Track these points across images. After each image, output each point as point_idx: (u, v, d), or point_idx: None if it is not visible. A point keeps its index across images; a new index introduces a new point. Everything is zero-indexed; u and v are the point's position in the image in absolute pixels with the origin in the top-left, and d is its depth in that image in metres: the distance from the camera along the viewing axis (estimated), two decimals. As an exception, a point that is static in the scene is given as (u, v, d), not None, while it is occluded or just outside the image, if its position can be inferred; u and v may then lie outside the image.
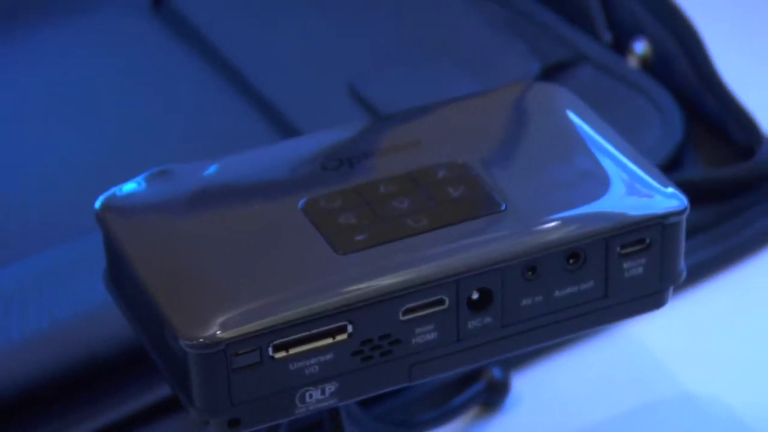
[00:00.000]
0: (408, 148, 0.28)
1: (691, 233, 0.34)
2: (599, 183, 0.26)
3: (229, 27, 0.48)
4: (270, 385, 0.23)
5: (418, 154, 0.28)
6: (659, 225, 0.25)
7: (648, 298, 0.26)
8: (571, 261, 0.25)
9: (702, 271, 0.38)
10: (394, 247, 0.24)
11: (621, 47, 0.44)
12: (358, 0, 0.49)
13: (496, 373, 0.35)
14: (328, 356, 0.23)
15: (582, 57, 0.43)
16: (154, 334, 0.24)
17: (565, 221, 0.25)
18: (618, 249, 0.25)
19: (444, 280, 0.23)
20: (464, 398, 0.35)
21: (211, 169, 0.28)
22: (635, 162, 0.27)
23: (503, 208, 0.25)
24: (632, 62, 0.43)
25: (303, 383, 0.23)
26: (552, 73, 0.42)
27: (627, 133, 0.30)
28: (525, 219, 0.25)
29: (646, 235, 0.25)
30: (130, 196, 0.27)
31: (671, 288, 0.27)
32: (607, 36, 0.44)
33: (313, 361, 0.23)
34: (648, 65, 0.43)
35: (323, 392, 0.24)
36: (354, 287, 0.23)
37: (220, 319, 0.22)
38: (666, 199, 0.26)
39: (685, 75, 0.41)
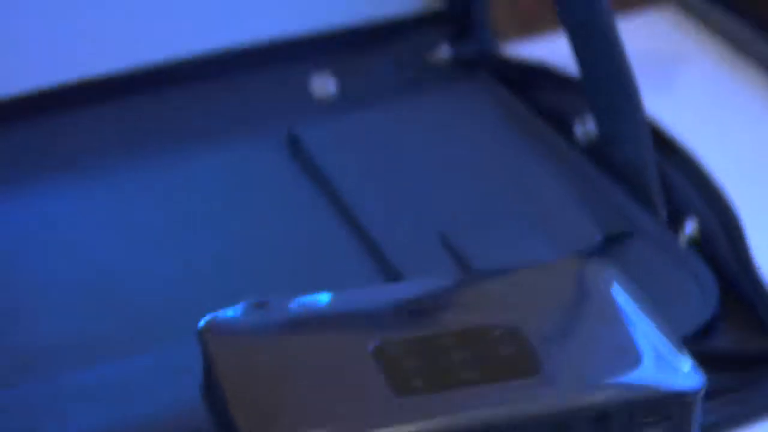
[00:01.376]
0: (475, 307, 0.32)
1: (714, 395, 0.36)
2: (631, 358, 0.30)
3: (350, 170, 0.52)
4: None
5: (483, 312, 0.32)
6: (679, 401, 0.28)
7: None
8: (598, 424, 0.28)
9: (721, 428, 0.39)
10: (445, 396, 0.28)
11: (673, 223, 0.47)
12: (466, 160, 0.53)
13: None
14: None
15: (639, 231, 0.46)
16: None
17: (596, 388, 0.28)
18: (641, 418, 0.28)
19: (480, 429, 0.27)
20: None
21: (304, 304, 0.33)
22: (667, 340, 0.30)
23: (545, 370, 0.29)
24: (682, 238, 0.46)
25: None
26: (611, 243, 0.45)
27: (667, 303, 0.35)
28: (560, 384, 0.28)
29: (666, 408, 0.28)
30: (229, 321, 0.32)
31: None
32: (664, 214, 0.47)
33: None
34: (695, 242, 0.46)
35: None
36: (405, 426, 0.26)
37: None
38: (687, 378, 0.29)
39: (725, 255, 0.44)
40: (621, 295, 0.33)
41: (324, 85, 0.60)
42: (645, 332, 0.31)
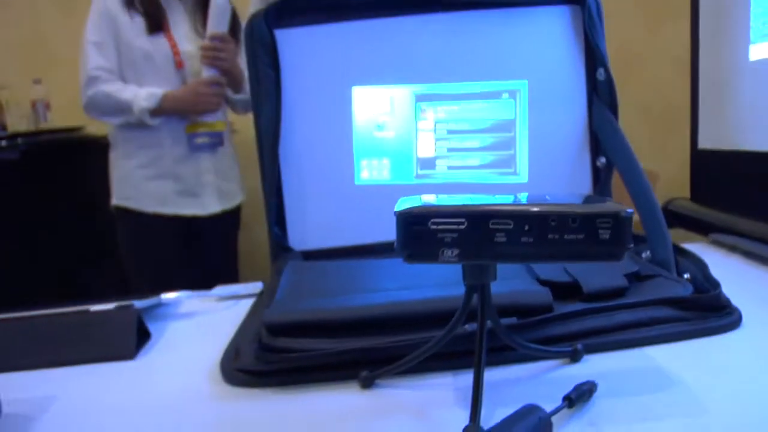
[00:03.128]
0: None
1: (679, 319, 0.64)
2: (599, 204, 0.48)
3: None
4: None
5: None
6: (616, 216, 0.46)
7: (610, 251, 0.46)
8: (572, 222, 0.47)
9: (674, 337, 0.63)
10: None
11: (681, 275, 0.76)
12: None
13: (579, 346, 0.59)
14: (455, 234, 0.47)
15: (661, 275, 0.74)
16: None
17: (576, 206, 0.47)
18: (597, 221, 0.46)
19: (515, 214, 0.47)
20: (558, 349, 0.58)
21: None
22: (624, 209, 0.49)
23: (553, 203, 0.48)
24: (683, 279, 0.74)
25: (442, 245, 0.47)
26: (647, 277, 0.74)
27: (670, 289, 0.67)
28: (560, 205, 0.47)
29: (609, 219, 0.46)
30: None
31: (624, 252, 0.46)
32: (674, 272, 0.75)
33: (448, 235, 0.47)
34: (688, 280, 0.73)
35: (452, 253, 0.47)
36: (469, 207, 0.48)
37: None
38: (623, 210, 0.47)
39: (701, 282, 0.71)
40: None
41: None
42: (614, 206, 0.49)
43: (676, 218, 1.06)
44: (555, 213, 0.47)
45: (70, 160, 2.39)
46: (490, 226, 0.47)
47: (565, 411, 0.51)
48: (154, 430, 0.54)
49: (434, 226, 0.47)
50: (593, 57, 0.92)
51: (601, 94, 0.92)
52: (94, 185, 2.12)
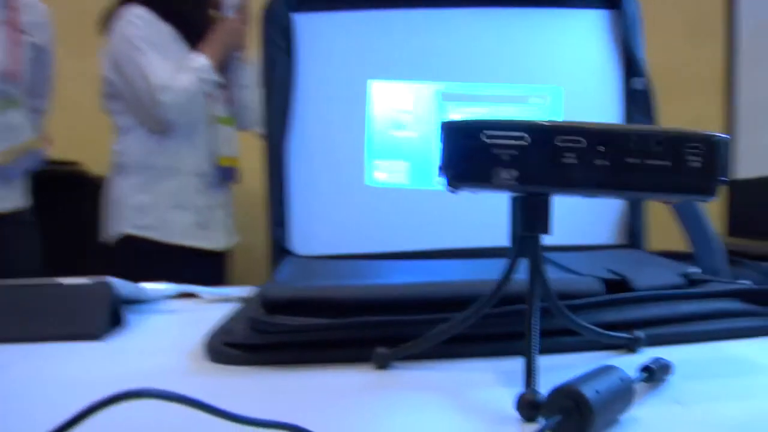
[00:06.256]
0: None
1: (753, 314, 0.53)
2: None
3: None
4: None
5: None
6: (710, 140, 0.37)
7: (699, 183, 0.37)
8: (656, 144, 0.37)
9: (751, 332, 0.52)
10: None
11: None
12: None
13: (641, 334, 0.49)
14: (515, 151, 0.38)
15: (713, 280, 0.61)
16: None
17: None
18: (685, 146, 0.37)
19: (588, 131, 0.38)
20: (616, 334, 0.48)
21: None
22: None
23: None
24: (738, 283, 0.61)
25: (498, 164, 0.38)
26: (704, 280, 0.60)
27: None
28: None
29: (702, 143, 0.37)
30: None
31: (716, 185, 0.37)
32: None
33: (505, 152, 0.38)
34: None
35: (510, 175, 0.38)
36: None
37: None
38: (720, 134, 0.38)
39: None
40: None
41: None
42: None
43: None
44: (636, 132, 0.38)
45: (67, 194, 2.30)
46: (558, 144, 0.38)
47: (643, 385, 0.40)
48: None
49: (489, 140, 0.38)
50: (630, 65, 0.85)
51: (638, 105, 0.84)
52: (89, 220, 2.02)
